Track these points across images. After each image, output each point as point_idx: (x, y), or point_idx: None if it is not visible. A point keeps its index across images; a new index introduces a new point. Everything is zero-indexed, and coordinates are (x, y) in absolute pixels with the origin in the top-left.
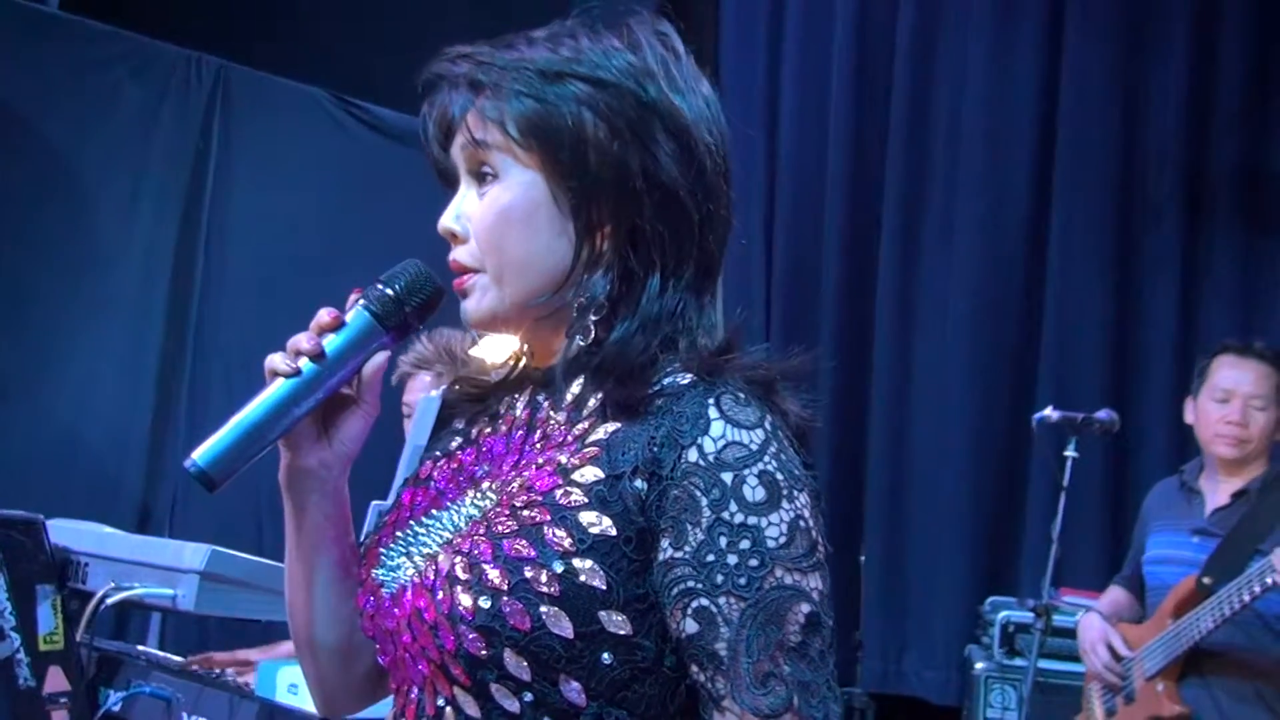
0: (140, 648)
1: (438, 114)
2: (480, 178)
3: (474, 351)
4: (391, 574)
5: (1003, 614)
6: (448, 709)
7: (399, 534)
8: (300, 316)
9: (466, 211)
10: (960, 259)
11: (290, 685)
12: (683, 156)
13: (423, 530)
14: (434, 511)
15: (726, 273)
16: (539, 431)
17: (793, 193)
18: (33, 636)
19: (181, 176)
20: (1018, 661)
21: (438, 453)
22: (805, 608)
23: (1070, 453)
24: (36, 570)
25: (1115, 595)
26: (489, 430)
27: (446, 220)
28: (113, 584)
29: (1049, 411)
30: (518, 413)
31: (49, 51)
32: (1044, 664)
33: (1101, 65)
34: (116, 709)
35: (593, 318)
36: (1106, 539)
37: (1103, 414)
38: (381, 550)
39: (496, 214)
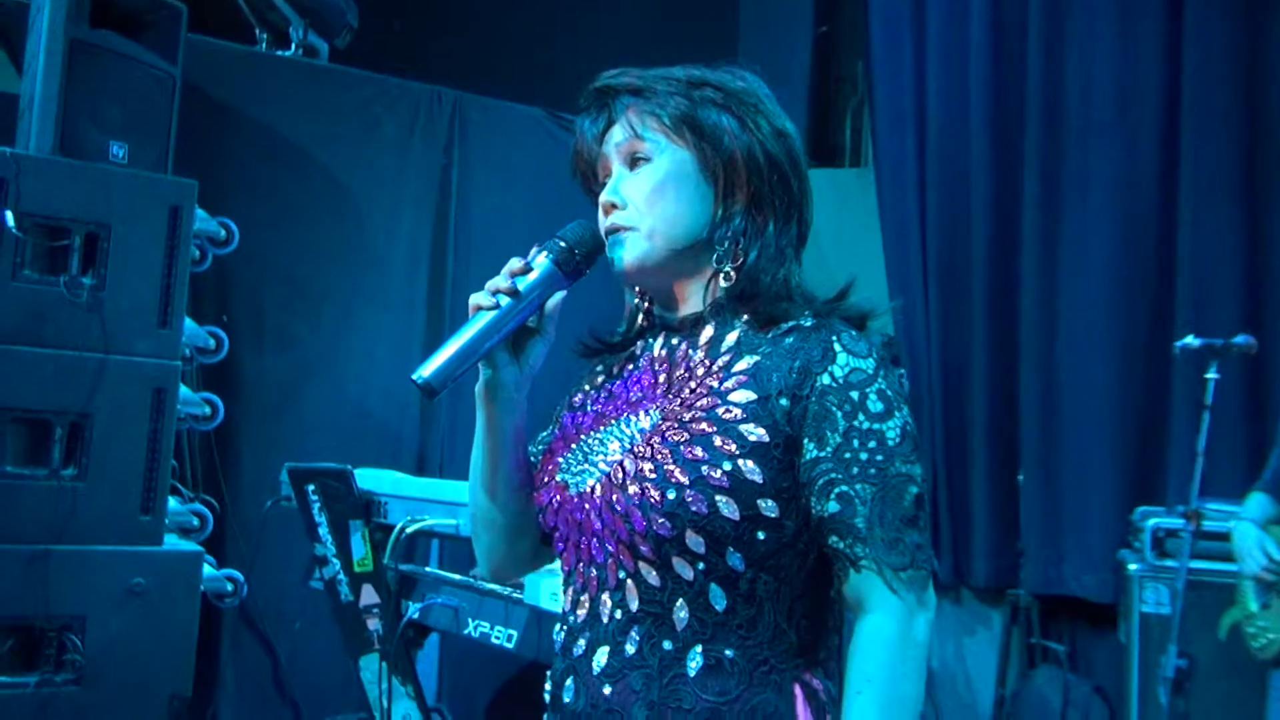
0: (428, 569)
1: (599, 118)
2: (633, 163)
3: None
4: (576, 476)
5: (1152, 521)
6: (629, 580)
7: (573, 446)
8: None
9: (623, 188)
10: (1096, 210)
11: (551, 594)
12: (783, 146)
13: (596, 443)
14: (601, 429)
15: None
16: (681, 366)
17: (941, 162)
18: (349, 561)
19: (432, 190)
20: (1168, 563)
21: (586, 386)
22: (914, 489)
23: (1211, 375)
24: (348, 509)
25: (1261, 502)
26: (631, 366)
27: (607, 195)
28: (410, 518)
29: (1190, 339)
30: (655, 352)
31: (323, 96)
32: (1194, 564)
33: (1223, 24)
34: (416, 616)
35: (731, 254)
36: (1246, 453)
37: (1241, 339)
38: (559, 459)
39: (655, 184)
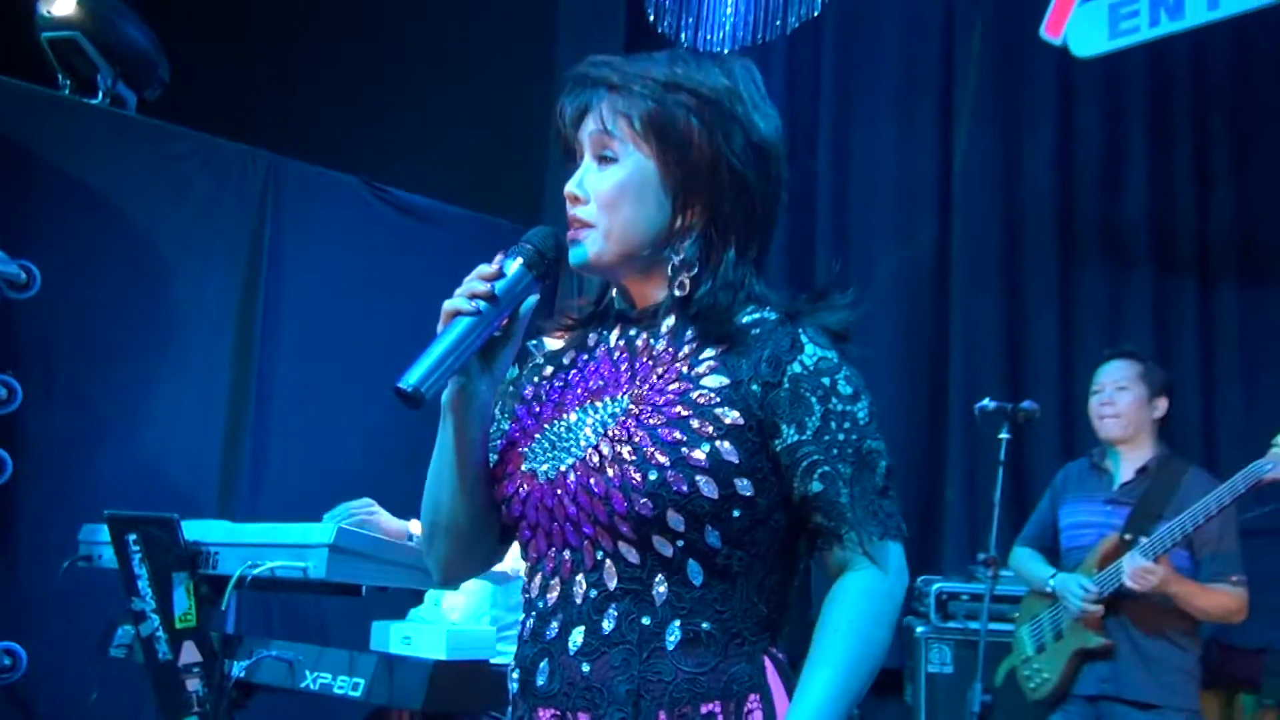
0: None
1: (577, 103)
2: (602, 159)
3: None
4: (545, 463)
5: (935, 586)
6: (607, 560)
7: (536, 436)
8: (342, 367)
9: (588, 182)
10: (881, 292)
11: (404, 638)
12: (756, 162)
13: (564, 430)
14: (563, 417)
15: None
16: (645, 354)
17: None
18: (169, 617)
19: (242, 252)
20: (951, 624)
21: (536, 379)
22: (885, 463)
23: (1004, 435)
24: (172, 561)
25: (1031, 555)
26: (586, 357)
27: (572, 186)
28: (250, 563)
29: (987, 402)
30: (613, 343)
31: (131, 149)
32: (973, 624)
33: (988, 137)
34: (243, 675)
35: (686, 274)
36: (1011, 508)
37: (1027, 404)
38: (523, 450)
39: (617, 187)
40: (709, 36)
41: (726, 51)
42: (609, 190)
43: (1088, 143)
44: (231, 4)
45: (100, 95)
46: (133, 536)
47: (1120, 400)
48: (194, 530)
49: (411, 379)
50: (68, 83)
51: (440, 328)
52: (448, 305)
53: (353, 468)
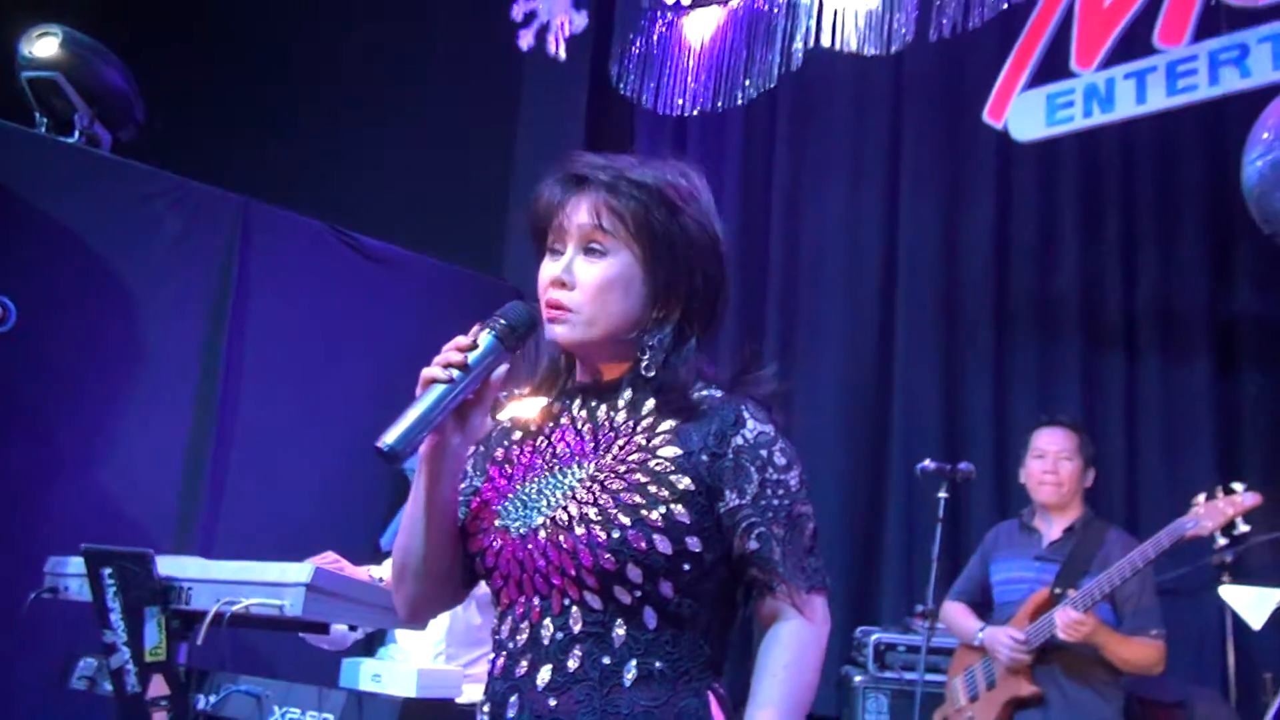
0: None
1: (565, 196)
2: (589, 250)
3: (502, 414)
4: (517, 521)
5: (874, 636)
6: (573, 607)
7: (509, 496)
8: (303, 410)
9: (577, 271)
10: (827, 353)
11: (374, 675)
12: (720, 266)
13: (534, 492)
14: (534, 480)
15: None
16: (606, 426)
17: None
18: (140, 650)
19: (209, 292)
20: (887, 674)
21: (506, 443)
22: (811, 525)
23: (942, 494)
24: (145, 595)
25: (961, 609)
26: (552, 425)
27: (559, 272)
28: (224, 600)
29: (928, 462)
30: (575, 413)
31: (104, 188)
32: (910, 675)
33: (931, 212)
34: (209, 709)
35: (656, 358)
36: (947, 563)
37: (964, 465)
38: (496, 508)
39: (606, 280)
40: (669, 101)
41: (686, 116)
42: (597, 281)
43: (1024, 221)
44: (209, 51)
45: (76, 134)
46: (108, 570)
47: (1063, 469)
48: (168, 566)
49: (389, 439)
50: (44, 121)
51: (418, 392)
52: (425, 373)
53: (308, 510)
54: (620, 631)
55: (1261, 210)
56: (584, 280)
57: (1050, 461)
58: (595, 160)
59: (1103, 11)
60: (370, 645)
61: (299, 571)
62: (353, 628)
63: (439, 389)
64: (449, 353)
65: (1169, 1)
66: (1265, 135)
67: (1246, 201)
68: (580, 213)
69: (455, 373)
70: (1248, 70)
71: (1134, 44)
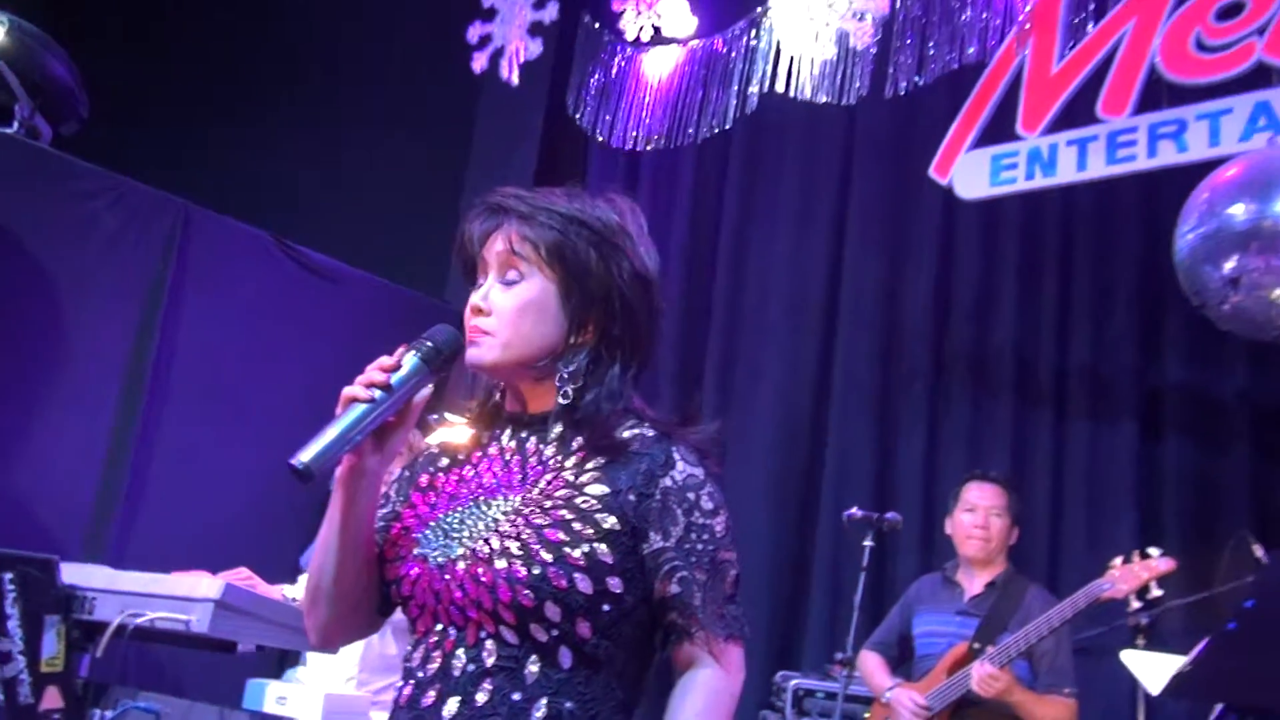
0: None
1: (486, 226)
2: (506, 278)
3: (431, 438)
4: (436, 551)
5: (793, 682)
6: (488, 640)
7: (430, 524)
8: (230, 422)
9: (493, 298)
10: (764, 400)
11: (279, 698)
12: (642, 291)
13: (456, 522)
14: (457, 510)
15: None
16: (534, 458)
17: None
18: (35, 659)
19: (142, 296)
20: None
21: (432, 469)
22: (734, 572)
23: (868, 542)
24: (47, 603)
25: (880, 662)
26: (480, 454)
27: (477, 299)
28: (129, 612)
29: (855, 510)
30: (504, 443)
31: (40, 182)
32: None
33: (874, 262)
34: None
35: (572, 385)
36: (870, 612)
37: (890, 515)
38: (416, 536)
39: (521, 304)
40: (623, 134)
41: (640, 150)
42: (513, 307)
43: (964, 277)
44: (164, 52)
45: (15, 125)
46: (9, 575)
47: (993, 525)
48: (73, 574)
49: (305, 457)
50: None
51: (339, 410)
52: (346, 392)
53: (229, 524)
54: (533, 669)
55: (1190, 282)
56: (499, 306)
57: (981, 516)
58: (515, 192)
59: (1049, 79)
60: (283, 667)
61: (209, 586)
62: (261, 648)
63: (360, 408)
64: (372, 372)
65: (1113, 73)
66: (1197, 210)
67: (1177, 273)
68: (498, 242)
69: (377, 393)
70: (1185, 145)
71: (1078, 112)
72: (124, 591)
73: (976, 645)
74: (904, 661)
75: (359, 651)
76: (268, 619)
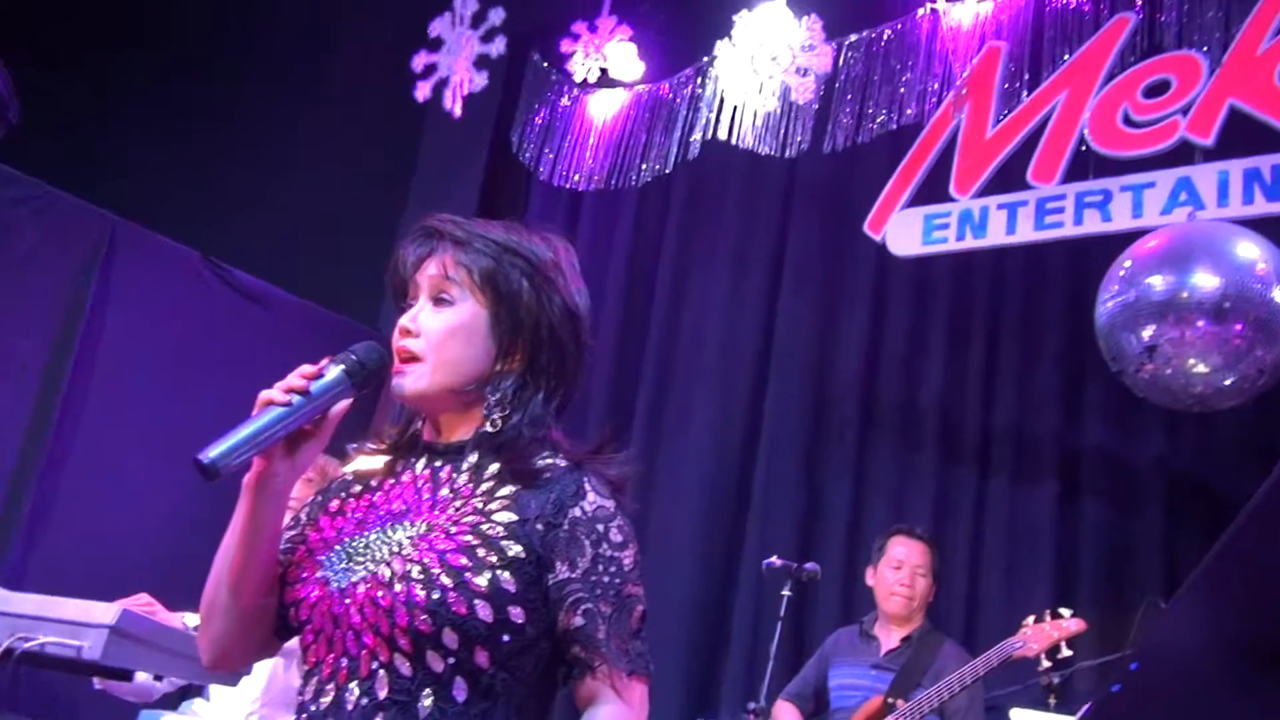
0: None
1: (421, 250)
2: (438, 301)
3: (348, 466)
4: (338, 574)
5: None
6: (381, 670)
7: (335, 547)
8: (146, 441)
9: (422, 320)
10: (693, 445)
11: None
12: (570, 324)
13: (361, 546)
14: (364, 534)
15: None
16: (446, 487)
17: None
18: None
19: (61, 308)
20: None
21: (343, 494)
22: (640, 607)
23: (786, 592)
24: None
25: (795, 713)
26: (392, 481)
27: (405, 321)
28: (19, 636)
29: (774, 559)
30: (417, 471)
31: None
32: None
33: (807, 312)
34: None
35: (500, 413)
36: (788, 661)
37: (809, 565)
38: (320, 558)
39: (449, 328)
40: (565, 173)
41: (582, 190)
42: (442, 329)
43: (894, 332)
44: (106, 65)
45: None
46: None
47: (917, 585)
48: None
49: (212, 453)
50: None
51: (254, 413)
52: (263, 394)
53: (139, 549)
54: (427, 702)
55: (1110, 349)
56: (428, 327)
57: (907, 574)
58: (452, 218)
59: (983, 144)
60: (182, 698)
61: (104, 612)
62: (158, 677)
63: (275, 411)
64: (292, 378)
65: (1044, 142)
66: (1118, 279)
67: (1098, 339)
68: (431, 266)
69: (295, 398)
70: (1109, 215)
71: (1010, 178)
72: (14, 614)
73: (890, 699)
74: (818, 714)
75: (261, 685)
76: (165, 648)
